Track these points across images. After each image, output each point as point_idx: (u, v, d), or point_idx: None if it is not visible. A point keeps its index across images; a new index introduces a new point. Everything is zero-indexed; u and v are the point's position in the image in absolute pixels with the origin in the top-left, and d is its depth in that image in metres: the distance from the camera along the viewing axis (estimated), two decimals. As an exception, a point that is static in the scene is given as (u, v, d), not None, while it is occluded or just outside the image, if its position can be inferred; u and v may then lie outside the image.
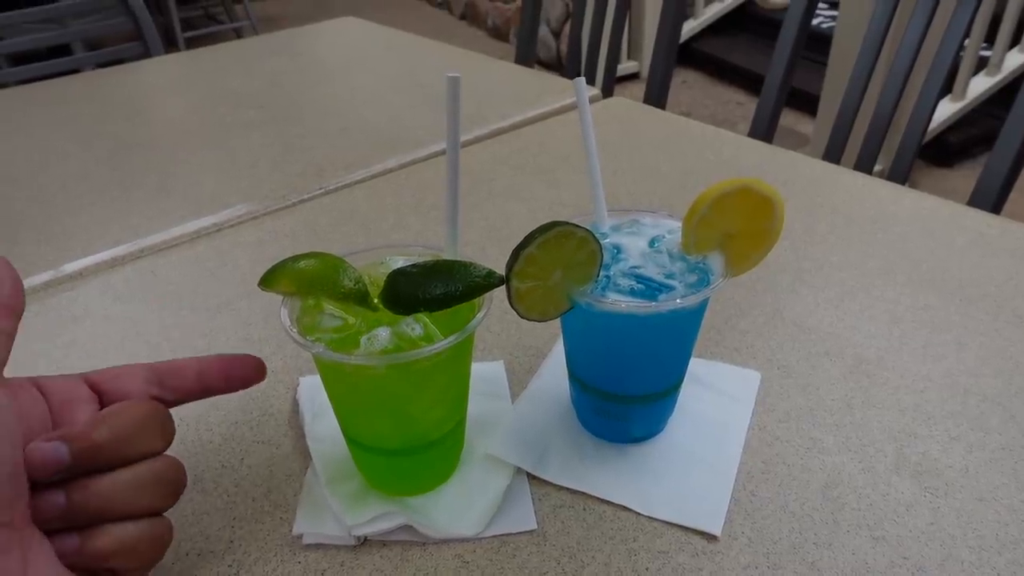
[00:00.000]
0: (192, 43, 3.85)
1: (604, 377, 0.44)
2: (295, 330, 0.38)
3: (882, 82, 1.08)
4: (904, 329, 0.56)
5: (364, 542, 0.41)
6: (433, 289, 0.37)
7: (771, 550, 0.40)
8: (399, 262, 0.42)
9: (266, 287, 0.39)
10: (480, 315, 0.38)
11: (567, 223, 0.38)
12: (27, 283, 0.64)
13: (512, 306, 0.39)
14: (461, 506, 0.42)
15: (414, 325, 0.38)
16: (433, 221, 0.73)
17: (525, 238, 0.38)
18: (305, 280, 0.38)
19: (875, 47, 1.08)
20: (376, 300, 0.39)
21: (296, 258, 0.39)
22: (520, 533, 0.41)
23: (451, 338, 0.37)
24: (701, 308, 0.43)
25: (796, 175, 0.81)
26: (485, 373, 0.52)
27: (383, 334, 0.37)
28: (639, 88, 3.37)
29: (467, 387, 0.43)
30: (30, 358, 0.55)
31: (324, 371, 0.40)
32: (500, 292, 0.38)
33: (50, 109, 1.06)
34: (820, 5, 1.14)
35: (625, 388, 0.44)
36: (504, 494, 0.43)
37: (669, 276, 0.41)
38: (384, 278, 0.39)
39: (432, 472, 0.44)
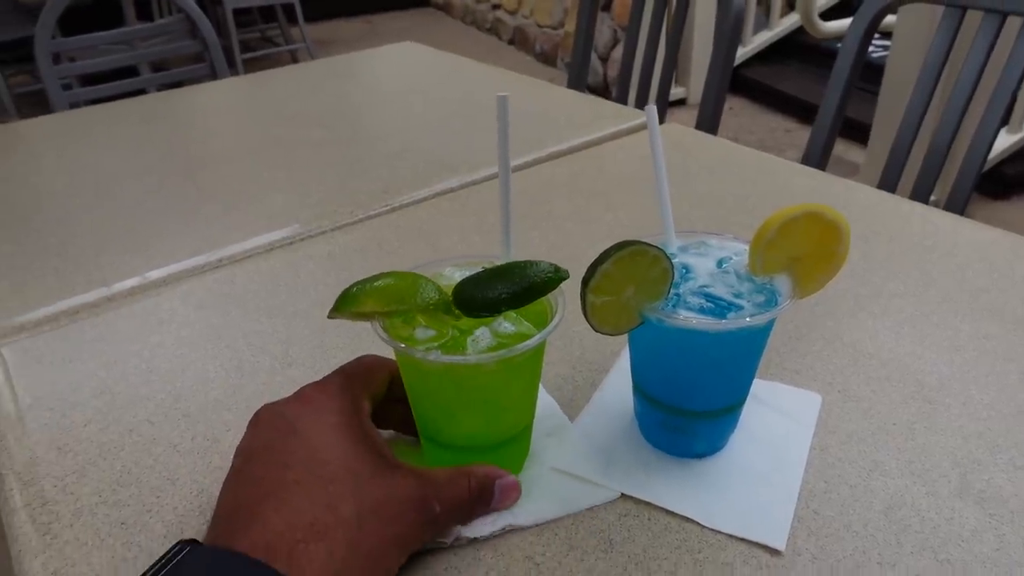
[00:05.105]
0: (250, 64, 4.00)
1: (671, 391, 0.46)
2: (403, 345, 0.39)
3: (938, 112, 1.07)
4: (965, 357, 0.56)
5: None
6: (510, 288, 0.40)
7: (835, 567, 0.40)
8: (455, 272, 0.45)
9: (340, 310, 0.39)
10: (559, 314, 0.41)
11: (640, 242, 0.40)
12: (115, 288, 0.69)
13: (587, 319, 0.41)
14: (539, 495, 0.45)
15: (504, 324, 0.41)
16: (496, 239, 0.75)
17: (601, 254, 0.40)
18: (392, 297, 0.40)
19: (933, 77, 1.08)
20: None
21: (373, 279, 0.40)
22: (588, 538, 0.42)
23: (547, 329, 0.40)
24: (768, 327, 0.44)
25: (852, 202, 0.81)
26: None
27: (485, 334, 0.40)
28: (686, 113, 3.39)
29: (538, 386, 0.46)
30: (123, 357, 0.59)
31: (422, 377, 0.42)
32: (570, 310, 0.41)
33: (128, 127, 1.12)
34: (876, 35, 1.14)
35: (691, 403, 0.45)
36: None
37: (737, 296, 0.43)
38: (448, 289, 0.41)
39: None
